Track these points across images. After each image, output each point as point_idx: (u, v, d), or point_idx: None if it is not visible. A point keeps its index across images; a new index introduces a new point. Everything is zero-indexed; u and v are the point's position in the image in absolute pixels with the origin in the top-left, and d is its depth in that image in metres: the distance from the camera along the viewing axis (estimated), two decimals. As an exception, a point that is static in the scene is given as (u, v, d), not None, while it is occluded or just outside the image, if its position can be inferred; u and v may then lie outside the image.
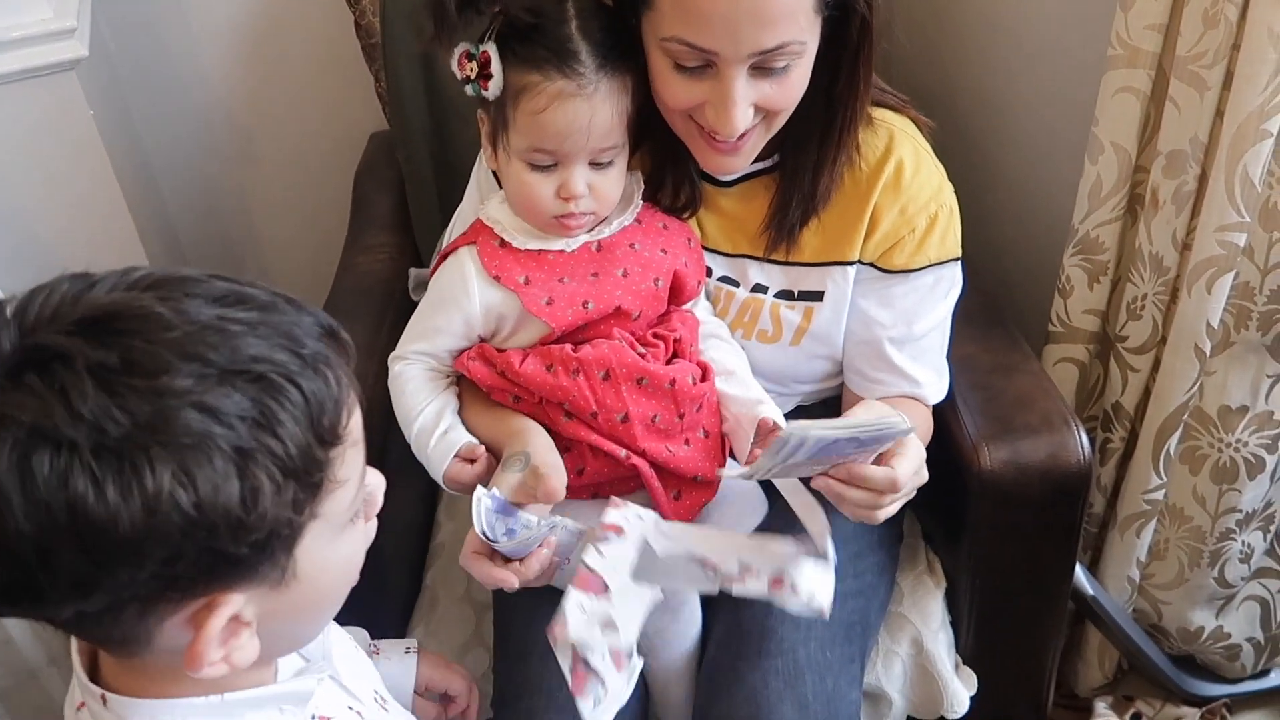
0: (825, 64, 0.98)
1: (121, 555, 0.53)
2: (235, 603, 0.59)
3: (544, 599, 1.10)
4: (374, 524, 0.70)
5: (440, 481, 1.02)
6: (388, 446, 1.10)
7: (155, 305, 0.55)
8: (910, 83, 1.20)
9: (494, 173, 1.11)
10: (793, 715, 0.99)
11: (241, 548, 0.56)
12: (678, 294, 1.07)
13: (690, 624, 1.09)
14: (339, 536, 0.64)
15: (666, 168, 1.08)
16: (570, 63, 0.94)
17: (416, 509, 1.17)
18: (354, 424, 0.62)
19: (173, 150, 1.78)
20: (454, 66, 0.98)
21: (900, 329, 1.09)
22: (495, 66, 0.95)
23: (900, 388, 1.11)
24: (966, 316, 1.26)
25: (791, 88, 0.95)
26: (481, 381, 1.03)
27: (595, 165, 0.99)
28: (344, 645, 0.82)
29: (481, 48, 0.96)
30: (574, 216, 1.00)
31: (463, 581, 1.31)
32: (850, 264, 1.08)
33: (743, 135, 0.97)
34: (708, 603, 1.12)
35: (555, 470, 0.96)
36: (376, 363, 1.33)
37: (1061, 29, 1.43)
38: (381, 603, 1.20)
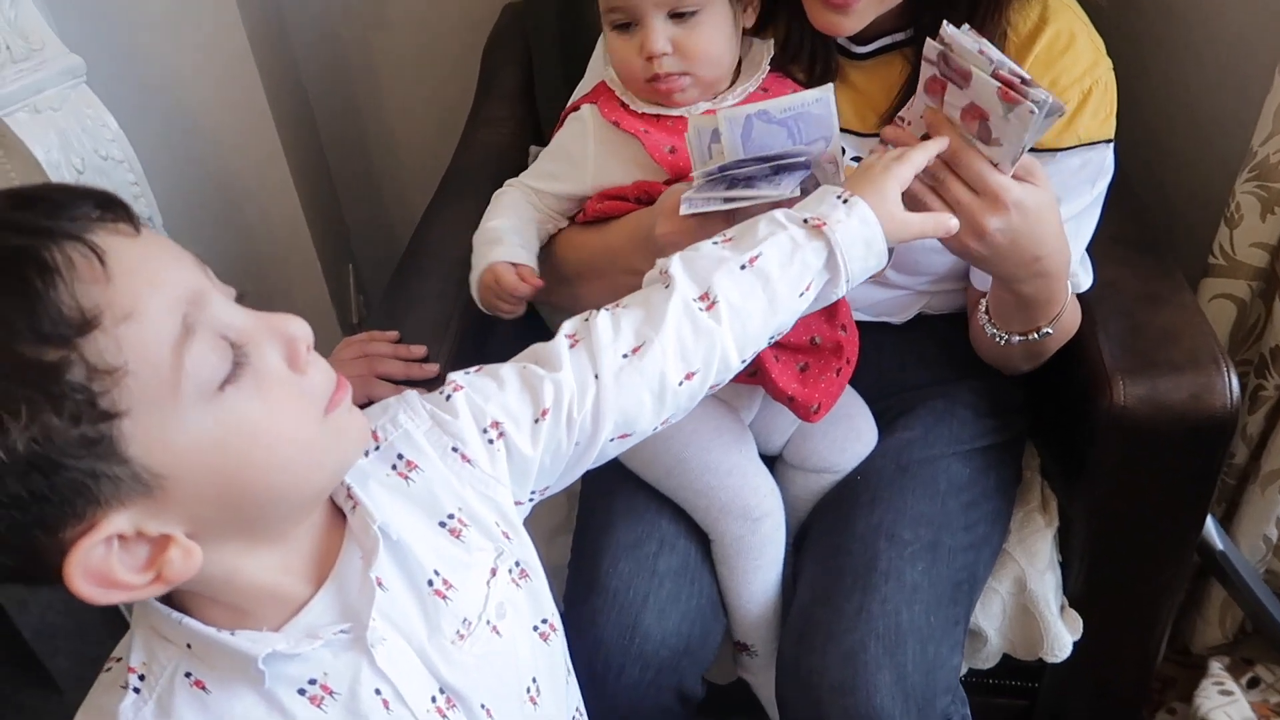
0: None
1: None
2: (114, 523, 0.54)
3: (620, 505, 1.08)
4: (321, 377, 0.61)
5: (475, 287, 1.02)
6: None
7: None
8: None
9: None
10: (889, 684, 0.93)
11: (19, 490, 0.50)
12: None
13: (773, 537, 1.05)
14: (198, 409, 0.55)
15: (799, 36, 1.01)
16: None
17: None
18: (116, 297, 0.52)
19: (306, 5, 1.76)
20: None
21: None
22: None
23: None
24: (1117, 237, 1.15)
25: None
26: (618, 208, 1.00)
27: (677, 18, 0.93)
28: (408, 609, 0.68)
29: None
30: (663, 79, 0.95)
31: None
32: None
33: None
34: (799, 541, 1.07)
35: None
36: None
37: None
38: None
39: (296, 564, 0.64)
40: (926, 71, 0.88)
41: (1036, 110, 0.80)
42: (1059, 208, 0.93)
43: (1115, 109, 1.00)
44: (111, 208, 0.56)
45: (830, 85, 0.84)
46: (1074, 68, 0.96)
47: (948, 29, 0.85)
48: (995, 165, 0.86)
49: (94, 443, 0.52)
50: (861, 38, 1.01)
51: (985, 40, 0.84)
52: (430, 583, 0.68)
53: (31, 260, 0.51)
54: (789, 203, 0.82)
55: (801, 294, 0.77)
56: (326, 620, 0.64)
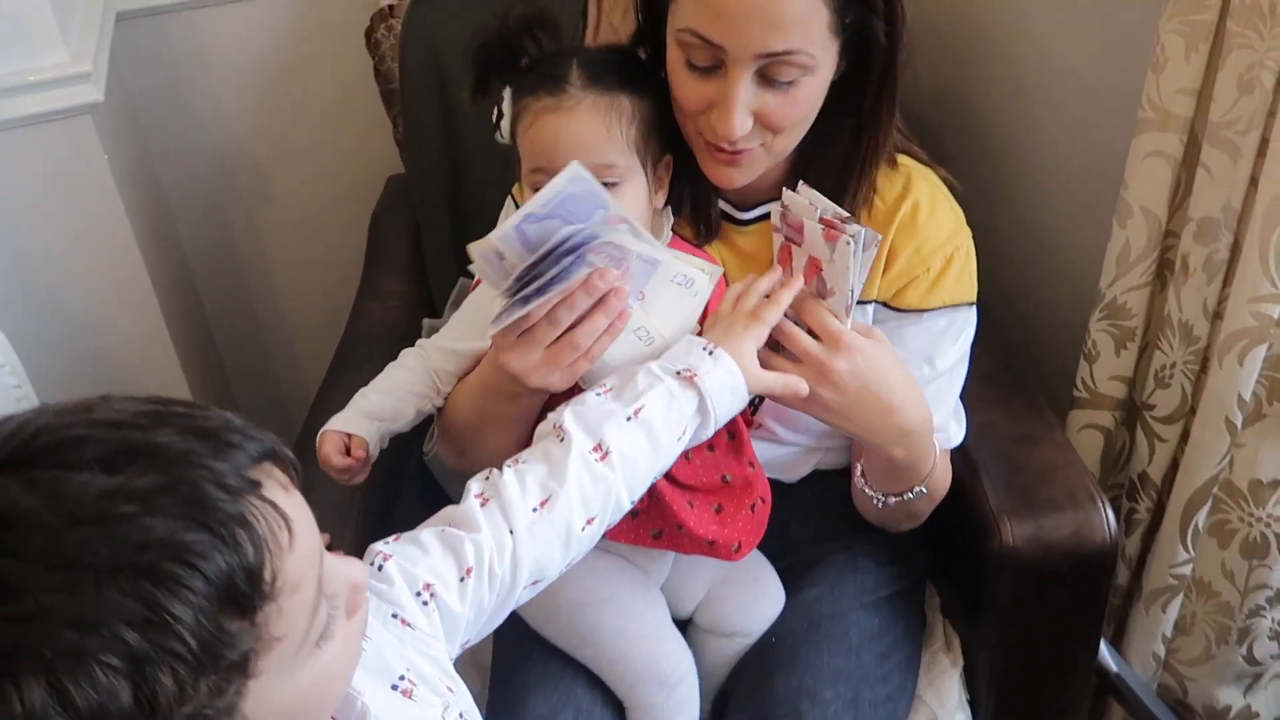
0: (848, 96, 0.97)
1: None
2: None
3: (534, 672, 1.08)
4: (361, 618, 0.62)
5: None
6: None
7: (23, 497, 0.48)
8: (937, 141, 1.19)
9: None
10: None
11: None
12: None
13: (687, 702, 1.06)
14: (301, 666, 0.56)
15: (681, 195, 1.06)
16: (558, 82, 0.97)
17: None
18: (292, 567, 0.53)
19: (190, 189, 1.77)
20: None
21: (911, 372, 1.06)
22: (506, 104, 1.00)
23: None
24: (989, 380, 1.23)
25: (795, 105, 0.94)
26: None
27: None
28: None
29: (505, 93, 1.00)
30: None
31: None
32: (866, 303, 1.05)
33: (742, 151, 0.96)
34: (720, 706, 1.08)
35: None
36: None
37: (1092, 90, 1.40)
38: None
39: None
40: (777, 241, 0.96)
41: (852, 241, 0.87)
42: (909, 367, 0.99)
43: (975, 274, 1.07)
44: (278, 460, 0.56)
45: (576, 161, 0.85)
46: (937, 235, 1.04)
47: (785, 192, 0.93)
48: (835, 316, 0.94)
49: (228, 706, 0.52)
50: (743, 204, 1.07)
51: (816, 193, 0.91)
52: None
53: (246, 527, 0.51)
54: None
55: (679, 438, 0.86)
56: None
